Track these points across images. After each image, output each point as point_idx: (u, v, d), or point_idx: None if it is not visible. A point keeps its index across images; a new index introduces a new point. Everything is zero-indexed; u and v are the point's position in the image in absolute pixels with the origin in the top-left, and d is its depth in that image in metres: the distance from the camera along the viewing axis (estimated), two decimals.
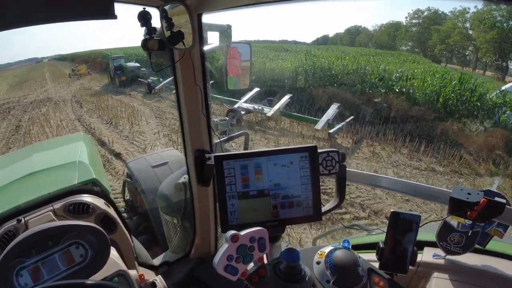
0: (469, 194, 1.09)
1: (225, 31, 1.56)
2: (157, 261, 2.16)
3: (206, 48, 1.38)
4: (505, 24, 30.59)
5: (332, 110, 8.57)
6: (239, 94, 11.03)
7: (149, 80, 15.23)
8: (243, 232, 0.70)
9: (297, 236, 4.10)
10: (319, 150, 1.05)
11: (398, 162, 7.06)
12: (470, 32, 36.36)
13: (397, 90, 10.65)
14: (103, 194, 1.78)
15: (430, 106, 9.73)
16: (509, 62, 31.79)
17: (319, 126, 8.15)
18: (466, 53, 38.92)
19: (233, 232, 0.69)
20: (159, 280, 1.64)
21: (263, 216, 1.03)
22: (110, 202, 1.74)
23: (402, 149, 7.75)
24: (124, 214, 3.52)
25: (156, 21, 1.16)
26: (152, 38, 1.16)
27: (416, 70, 13.11)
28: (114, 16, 0.88)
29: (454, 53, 39.97)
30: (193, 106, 1.42)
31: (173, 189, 1.99)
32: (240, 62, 1.74)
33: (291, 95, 10.00)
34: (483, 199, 1.06)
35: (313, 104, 11.04)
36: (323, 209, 1.09)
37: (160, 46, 1.18)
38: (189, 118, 1.46)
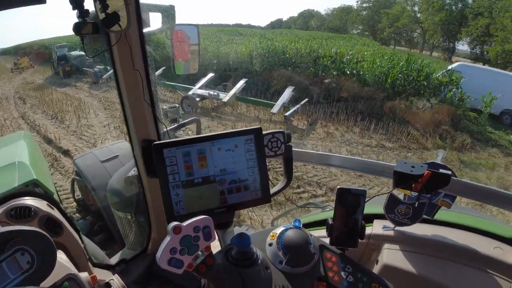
0: (413, 167, 1.13)
1: (167, 12, 1.47)
2: (114, 260, 2.06)
3: (145, 30, 1.28)
4: (453, 7, 32.41)
5: (287, 93, 8.66)
6: (193, 80, 10.77)
7: (95, 69, 14.21)
8: (186, 223, 0.66)
9: (258, 219, 4.13)
10: (264, 132, 1.02)
11: (350, 140, 7.37)
12: (419, 15, 38.19)
13: (348, 72, 10.99)
14: (46, 195, 1.66)
15: (379, 86, 10.16)
16: (456, 43, 33.87)
17: (275, 109, 8.22)
18: (414, 36, 40.91)
19: (175, 223, 0.65)
20: (115, 279, 1.56)
21: (211, 203, 0.99)
22: (53, 203, 1.63)
23: (354, 128, 8.09)
24: (77, 215, 3.37)
25: (89, 3, 1.05)
26: (85, 21, 1.05)
27: (366, 53, 13.60)
28: (43, 1, 0.78)
29: (402, 35, 41.87)
30: (134, 92, 1.32)
31: (123, 183, 1.90)
32: (189, 46, 1.68)
33: (246, 79, 9.93)
34: (427, 171, 1.10)
35: (268, 88, 11.09)
36: (272, 191, 1.07)
37: (95, 29, 1.08)
38: (131, 106, 1.36)
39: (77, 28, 1.05)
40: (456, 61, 13.85)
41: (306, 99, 8.96)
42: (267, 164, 1.04)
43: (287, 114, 8.01)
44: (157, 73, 10.38)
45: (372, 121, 8.34)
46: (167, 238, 0.65)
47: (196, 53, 1.69)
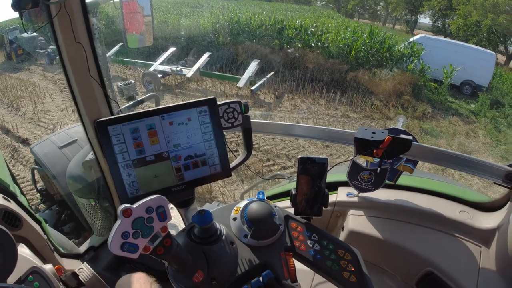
0: (373, 133, 1.13)
1: None
2: (83, 248, 1.99)
3: (88, 0, 1.18)
4: None
5: (253, 66, 8.51)
6: (154, 56, 10.30)
7: (48, 50, 13.07)
8: (136, 204, 0.61)
9: (231, 194, 4.14)
10: (218, 102, 0.97)
11: (317, 112, 7.48)
12: None
13: (313, 44, 10.96)
14: (1, 188, 1.57)
15: (344, 58, 10.25)
16: (418, 16, 34.51)
17: (241, 83, 8.08)
18: (378, 8, 41.28)
19: (124, 206, 0.60)
20: (85, 267, 1.52)
21: (167, 182, 0.94)
22: (10, 195, 1.53)
23: (320, 100, 8.19)
24: (42, 205, 3.23)
25: None
26: None
27: (330, 25, 13.57)
28: None
29: (366, 8, 42.11)
30: (79, 68, 1.21)
31: (82, 168, 1.80)
32: (143, 17, 1.59)
33: (210, 53, 9.60)
34: (388, 137, 1.10)
35: (233, 61, 10.84)
36: (231, 164, 1.03)
37: (33, 3, 0.98)
38: (78, 84, 1.25)
39: (15, 3, 0.95)
40: (418, 34, 14.21)
41: (272, 72, 8.90)
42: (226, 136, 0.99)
43: (253, 88, 7.91)
44: (114, 49, 9.83)
45: (337, 93, 8.48)
46: (117, 222, 0.60)
47: (150, 25, 1.62)
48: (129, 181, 0.89)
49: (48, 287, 1.07)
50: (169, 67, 9.02)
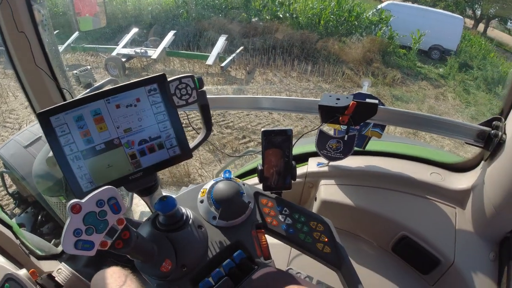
0: (338, 99, 1.09)
1: None
2: (60, 248, 1.93)
3: None
4: None
5: (221, 42, 8.25)
6: (115, 39, 9.81)
7: None
8: (84, 199, 0.56)
9: (209, 175, 4.10)
10: (168, 78, 0.89)
11: (289, 85, 7.44)
12: None
13: (281, 16, 10.75)
14: None
15: (313, 29, 10.14)
16: None
17: (210, 61, 7.84)
18: None
19: (72, 201, 0.55)
20: (63, 267, 1.47)
21: (123, 170, 0.87)
22: None
23: (292, 73, 8.15)
24: (16, 210, 3.08)
25: None
26: None
27: None
28: None
29: None
30: (23, 58, 1.16)
31: (46, 166, 1.71)
32: None
33: (175, 31, 9.23)
34: (353, 102, 1.07)
35: (200, 38, 10.49)
36: (191, 144, 0.97)
37: None
38: (26, 75, 1.19)
39: None
40: (386, 1, 14.25)
41: (242, 47, 8.70)
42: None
43: (223, 64, 7.72)
44: (73, 36, 9.28)
45: (308, 64, 8.44)
46: (67, 220, 0.55)
47: (103, 5, 1.56)
48: (80, 174, 0.82)
49: None
50: (133, 50, 8.58)
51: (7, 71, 11.17)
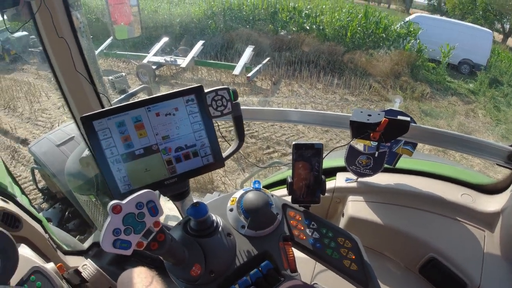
0: (369, 115, 1.09)
1: None
2: (86, 244, 2.01)
3: None
4: None
5: (247, 53, 8.38)
6: (148, 47, 10.16)
7: (40, 48, 13.06)
8: (125, 200, 0.59)
9: (232, 183, 4.13)
10: (206, 90, 0.92)
11: (315, 97, 7.41)
12: None
13: (308, 28, 10.79)
14: None
15: (340, 40, 10.10)
16: None
17: (237, 71, 7.97)
18: None
19: (113, 202, 0.58)
20: (88, 264, 1.53)
21: (159, 175, 0.91)
22: (8, 197, 1.54)
23: (318, 85, 8.11)
24: (45, 204, 3.23)
25: None
26: None
27: (324, 7, 13.34)
28: None
29: None
30: (64, 63, 1.21)
31: (80, 165, 1.79)
32: (130, 8, 1.58)
33: (203, 41, 9.46)
34: (384, 119, 1.06)
35: (228, 48, 10.69)
36: (224, 154, 1.00)
37: (14, 1, 0.98)
38: (65, 80, 1.25)
39: None
40: (414, 13, 14.03)
41: (268, 58, 8.79)
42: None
43: (249, 75, 7.81)
44: (106, 43, 9.70)
45: (334, 76, 8.39)
46: (108, 219, 0.58)
47: (138, 15, 1.60)
48: (119, 176, 0.86)
49: (50, 286, 1.07)
50: (163, 58, 8.89)
51: (40, 72, 11.82)
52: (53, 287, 1.06)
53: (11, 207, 1.45)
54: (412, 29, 10.25)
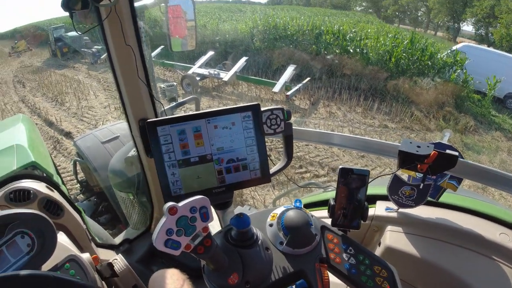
0: (418, 147, 1.08)
1: None
2: (118, 239, 2.09)
3: (137, 4, 1.25)
4: None
5: (289, 71, 8.50)
6: (193, 59, 10.58)
7: (93, 50, 13.92)
8: (181, 203, 0.63)
9: (261, 198, 4.13)
10: (262, 109, 0.98)
11: (353, 120, 7.29)
12: None
13: (351, 50, 10.76)
14: (45, 177, 1.67)
15: (383, 65, 9.97)
16: (460, 24, 33.10)
17: (276, 88, 8.08)
18: (419, 14, 40.00)
19: (170, 204, 0.62)
20: (119, 259, 1.57)
21: (209, 183, 0.96)
22: (53, 185, 1.64)
23: (357, 108, 7.99)
24: (81, 196, 3.40)
25: None
26: None
27: (369, 30, 13.28)
28: None
29: (406, 14, 40.92)
30: (127, 70, 1.29)
31: (124, 164, 1.89)
32: (186, 22, 1.63)
33: (247, 57, 9.74)
34: (434, 151, 1.05)
35: (270, 66, 10.89)
36: (272, 170, 1.04)
37: (83, 4, 1.02)
38: (126, 84, 1.33)
39: (65, 4, 0.99)
40: (461, 42, 13.57)
41: (308, 78, 8.83)
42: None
43: (289, 93, 7.89)
44: (155, 51, 10.23)
45: (375, 101, 8.24)
46: (163, 219, 0.62)
47: (193, 29, 1.65)
48: (173, 180, 0.93)
49: (83, 275, 1.10)
50: (207, 70, 9.26)
51: (91, 72, 12.62)
52: (86, 276, 1.10)
53: (55, 195, 1.54)
54: (458, 59, 9.94)
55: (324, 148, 5.61)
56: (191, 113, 0.92)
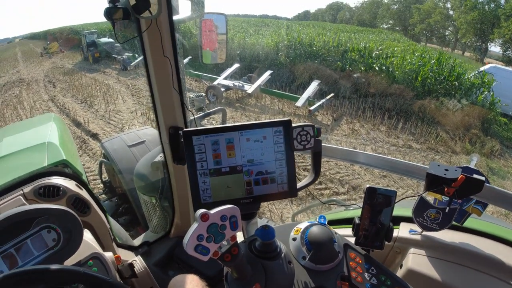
0: (446, 170, 1.08)
1: (196, 0, 1.46)
2: (137, 241, 2.12)
3: (175, 17, 1.28)
4: (486, 6, 31.05)
5: (313, 87, 8.54)
6: (218, 70, 10.79)
7: (123, 56, 14.56)
8: (213, 211, 0.66)
9: (278, 212, 4.12)
10: (293, 125, 1.00)
11: (376, 139, 7.18)
12: (451, 12, 36.75)
13: (376, 68, 10.70)
14: (74, 175, 1.71)
15: (409, 84, 9.84)
16: (488, 44, 32.42)
17: (299, 103, 8.12)
18: (446, 33, 39.44)
19: (203, 210, 0.65)
20: (138, 260, 1.60)
21: (237, 193, 0.99)
22: (82, 183, 1.69)
23: (381, 127, 7.87)
24: (103, 196, 3.47)
25: None
26: (116, 6, 1.05)
27: (396, 48, 13.18)
28: None
29: (434, 32, 40.43)
30: (163, 79, 1.34)
31: (150, 168, 1.93)
32: (217, 36, 1.67)
33: (271, 71, 9.87)
34: (461, 175, 1.05)
35: (293, 80, 10.97)
36: (299, 185, 1.05)
37: (125, 15, 1.07)
38: (160, 93, 1.38)
39: (108, 13, 1.05)
40: (488, 63, 13.18)
41: (332, 94, 8.82)
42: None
43: (311, 108, 7.90)
44: (184, 61, 10.51)
45: (399, 120, 8.09)
46: (195, 225, 0.64)
47: (224, 43, 1.68)
48: (203, 187, 0.95)
49: (105, 273, 1.13)
50: (232, 82, 9.43)
51: (121, 78, 13.05)
52: (108, 275, 1.12)
53: (84, 193, 1.58)
54: (486, 80, 9.70)
55: (345, 165, 5.54)
56: (225, 125, 0.96)
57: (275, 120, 0.98)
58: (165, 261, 1.96)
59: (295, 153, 1.01)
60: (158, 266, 1.91)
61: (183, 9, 1.36)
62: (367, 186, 0.94)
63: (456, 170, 1.08)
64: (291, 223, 1.03)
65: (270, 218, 4.00)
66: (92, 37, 18.40)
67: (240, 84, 9.32)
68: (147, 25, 1.18)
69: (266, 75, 9.47)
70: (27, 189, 1.43)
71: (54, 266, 0.75)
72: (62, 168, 2.35)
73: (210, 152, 0.95)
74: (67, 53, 23.43)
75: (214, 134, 0.95)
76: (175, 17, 1.27)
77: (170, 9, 1.22)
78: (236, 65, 10.32)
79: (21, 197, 1.38)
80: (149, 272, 1.63)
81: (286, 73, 11.34)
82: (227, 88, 9.47)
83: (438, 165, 1.09)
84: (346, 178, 5.20)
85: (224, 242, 0.68)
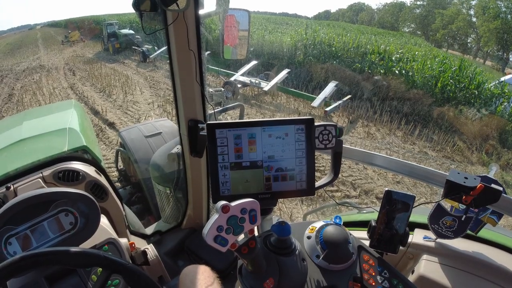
0: (466, 178, 1.07)
1: None
2: (149, 230, 2.16)
3: (201, 12, 1.29)
4: (509, 16, 30.30)
5: (330, 87, 8.46)
6: (236, 66, 10.80)
7: (143, 48, 14.71)
8: (234, 203, 0.67)
9: (288, 211, 4.12)
10: (316, 123, 1.00)
11: (392, 144, 7.07)
12: (474, 19, 35.91)
13: (396, 72, 10.54)
14: (94, 162, 1.74)
15: (428, 90, 9.66)
16: (510, 54, 31.62)
17: (315, 103, 8.05)
18: (468, 41, 38.54)
19: (224, 202, 0.66)
20: (150, 248, 1.63)
21: (256, 188, 1.00)
22: (101, 170, 1.72)
23: (397, 132, 7.75)
24: (117, 184, 3.52)
25: None
26: None
27: (417, 53, 12.94)
28: None
29: (456, 39, 39.53)
30: (186, 72, 1.35)
31: (166, 159, 1.95)
32: (238, 31, 1.66)
33: (289, 70, 9.82)
34: (480, 184, 1.04)
35: (311, 80, 10.88)
36: (317, 184, 1.06)
37: (153, 7, 1.09)
38: (182, 86, 1.40)
39: (136, 4, 1.06)
40: (509, 73, 12.80)
41: (349, 96, 8.72)
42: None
43: (328, 109, 7.82)
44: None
45: (417, 126, 7.95)
46: (215, 216, 0.65)
47: (245, 39, 1.67)
48: (223, 180, 0.97)
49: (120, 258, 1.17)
50: (249, 79, 9.44)
51: (139, 69, 13.21)
52: None
53: (102, 179, 1.61)
54: (506, 90, 9.45)
55: (358, 168, 5.49)
56: (248, 120, 0.97)
57: (298, 117, 0.99)
58: (175, 251, 1.99)
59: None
60: (168, 256, 1.94)
61: (209, 4, 1.37)
62: (386, 189, 0.94)
63: (475, 178, 1.07)
64: (306, 221, 1.04)
65: (279, 216, 4.01)
66: (113, 28, 18.67)
67: (256, 81, 9.32)
68: (173, 18, 1.19)
69: (284, 73, 9.43)
70: (46, 172, 1.46)
71: (74, 249, 0.77)
72: (82, 153, 2.40)
73: (232, 146, 0.96)
74: (88, 42, 23.84)
75: (237, 129, 0.96)
76: (200, 11, 1.27)
77: (197, 3, 1.22)
78: (253, 62, 10.31)
79: (40, 180, 1.40)
80: (160, 261, 1.65)
81: (303, 73, 11.25)
82: (244, 84, 9.47)
83: (458, 173, 1.09)
84: (358, 181, 5.15)
85: (242, 235, 0.69)
